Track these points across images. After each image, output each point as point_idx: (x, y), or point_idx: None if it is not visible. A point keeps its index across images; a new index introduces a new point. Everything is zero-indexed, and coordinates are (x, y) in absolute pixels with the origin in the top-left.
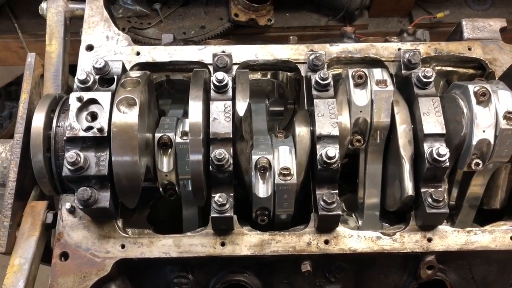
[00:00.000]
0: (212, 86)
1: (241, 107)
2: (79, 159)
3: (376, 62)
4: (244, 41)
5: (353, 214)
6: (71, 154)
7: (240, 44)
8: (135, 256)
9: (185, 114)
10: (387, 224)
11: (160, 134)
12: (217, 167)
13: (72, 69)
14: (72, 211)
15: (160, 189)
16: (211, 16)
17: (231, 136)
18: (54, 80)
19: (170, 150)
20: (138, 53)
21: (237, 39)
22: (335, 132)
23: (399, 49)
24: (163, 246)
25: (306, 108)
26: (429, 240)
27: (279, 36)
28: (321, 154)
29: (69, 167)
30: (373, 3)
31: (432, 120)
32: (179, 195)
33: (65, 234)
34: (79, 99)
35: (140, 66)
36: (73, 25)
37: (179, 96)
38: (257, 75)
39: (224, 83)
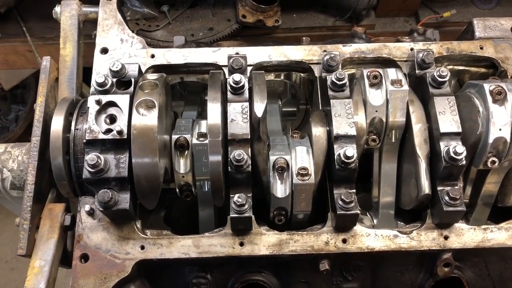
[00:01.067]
0: (229, 87)
1: (259, 108)
2: (100, 161)
3: (389, 62)
4: (252, 42)
5: (367, 213)
6: (91, 157)
7: (251, 45)
8: (155, 257)
9: (199, 116)
10: (402, 223)
11: (176, 136)
12: (236, 168)
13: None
14: (91, 213)
15: (177, 190)
16: (219, 18)
17: (249, 137)
18: (68, 83)
19: (186, 151)
20: (152, 56)
21: (245, 40)
22: (353, 132)
23: (411, 49)
24: (183, 247)
25: (321, 108)
26: (446, 238)
27: (287, 36)
28: (339, 154)
29: (90, 169)
30: (379, 3)
31: (448, 119)
32: (195, 195)
33: (85, 236)
34: (98, 102)
35: (155, 68)
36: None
37: (192, 98)
38: (271, 76)
39: (241, 84)
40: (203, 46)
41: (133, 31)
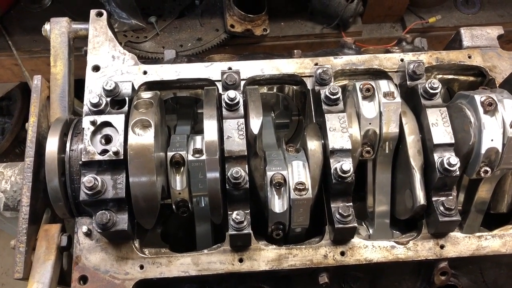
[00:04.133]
0: (224, 104)
1: (255, 124)
2: (97, 183)
3: (380, 73)
4: (241, 52)
5: (363, 223)
6: (88, 179)
7: (242, 57)
8: (155, 276)
9: (193, 129)
10: (397, 232)
11: (172, 153)
12: (234, 185)
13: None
14: (88, 234)
15: (173, 207)
16: (207, 28)
17: (246, 153)
18: (60, 101)
19: (182, 168)
20: (145, 72)
21: (234, 49)
22: (348, 145)
23: (402, 60)
24: (182, 265)
25: (314, 121)
26: (442, 247)
27: (275, 45)
28: (335, 168)
29: (87, 191)
30: (366, 10)
31: (441, 130)
32: (191, 211)
33: (83, 257)
34: (93, 122)
35: (148, 85)
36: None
37: (184, 112)
38: (264, 89)
39: (236, 101)
40: (194, 60)
41: (121, 43)
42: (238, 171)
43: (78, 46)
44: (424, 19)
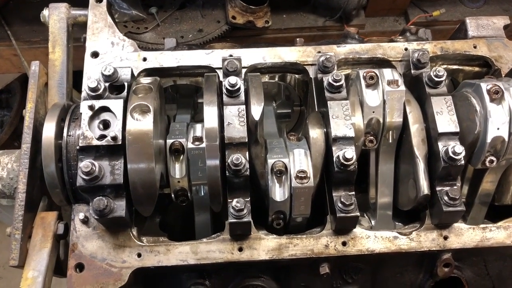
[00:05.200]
0: (224, 90)
1: (257, 111)
2: (94, 168)
3: (383, 62)
4: (243, 44)
5: (365, 214)
6: (85, 164)
7: (243, 46)
8: (152, 264)
9: (193, 119)
10: (400, 223)
11: (171, 140)
12: (234, 172)
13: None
14: (85, 221)
15: (172, 196)
16: (208, 19)
17: (247, 140)
18: (59, 88)
19: (182, 156)
20: (144, 59)
21: (235, 41)
22: (351, 133)
23: (406, 49)
24: (180, 254)
25: (317, 109)
26: (445, 238)
27: (277, 37)
28: (338, 156)
29: (84, 176)
30: (369, 3)
31: (446, 119)
32: (191, 200)
33: (80, 245)
34: (91, 107)
35: (148, 71)
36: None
37: (184, 101)
38: (265, 78)
39: (237, 87)
40: (195, 48)
41: None
42: (239, 158)
43: (77, 37)
44: (428, 12)
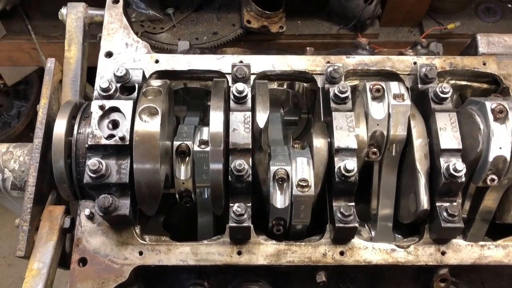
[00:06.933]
0: (232, 96)
1: (262, 118)
2: (101, 166)
3: (392, 75)
4: (256, 48)
5: (365, 225)
6: (93, 162)
7: (255, 53)
8: (153, 263)
9: (202, 122)
10: (399, 236)
11: (178, 142)
12: (236, 178)
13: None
14: (91, 217)
15: (177, 196)
16: (224, 22)
17: (250, 146)
18: (72, 85)
19: (188, 158)
20: (157, 61)
21: (249, 46)
22: (354, 145)
23: (415, 62)
24: (181, 254)
25: (322, 119)
26: (443, 253)
27: (291, 43)
28: (339, 167)
29: (91, 174)
30: (384, 13)
31: (449, 135)
32: (195, 202)
33: (84, 240)
34: (101, 107)
35: (159, 74)
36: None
37: (194, 103)
38: (274, 85)
39: (244, 94)
40: (207, 52)
41: (137, 33)
42: (242, 164)
43: (93, 33)
44: (442, 25)
